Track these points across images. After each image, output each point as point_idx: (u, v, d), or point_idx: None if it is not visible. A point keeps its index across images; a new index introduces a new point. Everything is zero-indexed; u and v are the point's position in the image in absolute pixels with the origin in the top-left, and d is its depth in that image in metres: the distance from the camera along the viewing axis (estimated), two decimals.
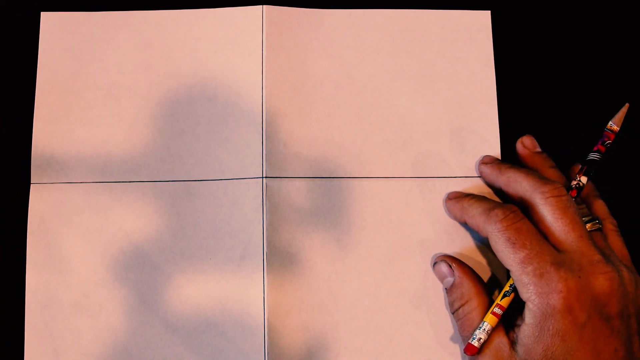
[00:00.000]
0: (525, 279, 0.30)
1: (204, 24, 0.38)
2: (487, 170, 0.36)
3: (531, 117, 0.38)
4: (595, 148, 0.35)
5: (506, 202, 0.35)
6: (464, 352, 0.32)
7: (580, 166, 0.35)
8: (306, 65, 0.37)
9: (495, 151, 0.37)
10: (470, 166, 0.37)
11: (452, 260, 0.35)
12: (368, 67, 0.38)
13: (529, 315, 0.30)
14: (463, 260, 0.35)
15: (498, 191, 0.37)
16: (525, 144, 0.36)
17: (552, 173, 0.35)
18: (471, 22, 0.39)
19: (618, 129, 0.35)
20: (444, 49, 0.38)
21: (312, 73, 0.37)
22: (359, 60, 0.38)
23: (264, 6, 0.38)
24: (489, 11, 0.39)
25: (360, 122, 0.37)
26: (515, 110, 0.38)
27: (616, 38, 0.40)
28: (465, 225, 0.36)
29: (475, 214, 0.33)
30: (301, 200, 0.36)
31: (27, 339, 0.35)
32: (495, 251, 0.32)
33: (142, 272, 0.36)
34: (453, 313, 0.34)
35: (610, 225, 0.35)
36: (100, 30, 0.38)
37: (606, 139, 0.35)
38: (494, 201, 0.34)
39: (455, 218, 0.36)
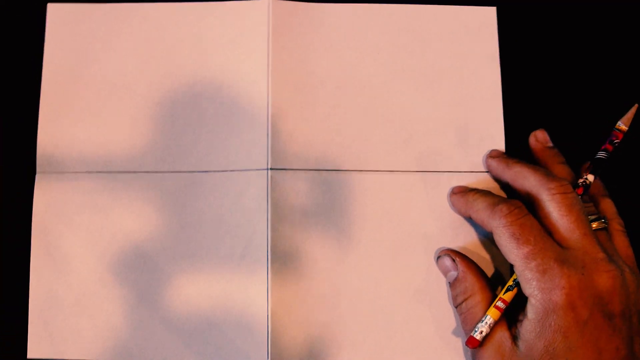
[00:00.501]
0: (528, 274, 0.30)
1: (210, 17, 0.38)
2: (495, 164, 0.36)
3: (536, 113, 0.38)
4: (603, 147, 0.35)
5: (512, 196, 0.35)
6: (466, 345, 0.32)
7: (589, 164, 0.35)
8: (312, 58, 0.38)
9: (500, 147, 0.37)
10: (474, 161, 0.37)
11: (455, 254, 0.35)
12: (373, 62, 0.38)
13: (531, 311, 0.30)
14: (467, 255, 0.35)
15: (504, 186, 0.37)
16: (538, 138, 0.37)
17: (562, 169, 0.35)
18: (476, 18, 0.39)
19: (627, 128, 0.35)
20: (449, 45, 0.38)
21: (318, 66, 0.38)
22: (364, 54, 0.38)
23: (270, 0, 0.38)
24: (495, 7, 0.39)
25: (365, 115, 0.37)
26: (520, 106, 0.38)
27: (623, 35, 0.40)
28: (469, 219, 0.36)
29: (480, 209, 0.33)
30: (305, 192, 0.36)
31: (30, 336, 0.36)
32: (499, 246, 0.32)
33: (146, 263, 0.36)
34: (456, 307, 0.34)
35: (616, 225, 0.34)
36: (106, 22, 0.38)
37: (614, 138, 0.35)
38: (498, 196, 0.34)
39: (459, 212, 0.36)
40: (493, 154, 0.36)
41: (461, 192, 0.36)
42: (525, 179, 0.33)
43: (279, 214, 0.36)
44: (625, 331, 0.30)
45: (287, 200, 0.36)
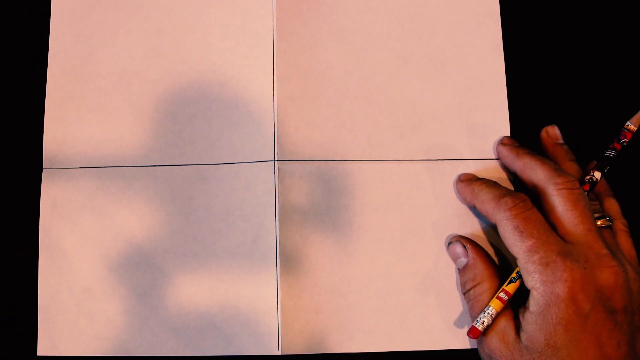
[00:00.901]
0: (530, 267, 0.30)
1: (214, 8, 0.38)
2: (505, 152, 0.36)
3: (541, 100, 0.39)
4: (611, 145, 0.35)
5: (519, 187, 0.35)
6: (467, 335, 0.32)
7: (595, 162, 0.35)
8: (316, 49, 0.38)
9: (505, 134, 0.37)
10: (479, 149, 0.37)
11: (466, 241, 0.35)
12: (378, 51, 0.38)
13: (533, 303, 0.30)
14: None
15: (509, 175, 0.37)
16: (549, 134, 0.37)
17: (570, 166, 0.35)
18: (480, 7, 0.39)
19: (635, 129, 0.35)
20: (453, 34, 0.38)
21: (323, 57, 0.38)
22: (368, 44, 0.38)
23: None
24: None
25: (371, 105, 0.37)
26: (525, 94, 0.38)
27: (634, 27, 0.40)
28: (474, 208, 0.36)
29: (485, 200, 0.33)
30: (313, 183, 0.36)
31: (39, 334, 0.36)
32: (502, 238, 0.32)
33: (154, 256, 0.36)
34: (464, 294, 0.34)
35: (621, 225, 0.34)
36: (111, 15, 0.38)
37: (622, 137, 0.35)
38: (504, 188, 0.34)
39: (465, 201, 0.36)
40: (505, 141, 0.36)
41: (467, 181, 0.36)
42: (533, 171, 0.33)
43: (287, 205, 0.36)
44: (627, 327, 0.30)
45: (294, 191, 0.36)
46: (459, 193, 0.36)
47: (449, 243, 0.36)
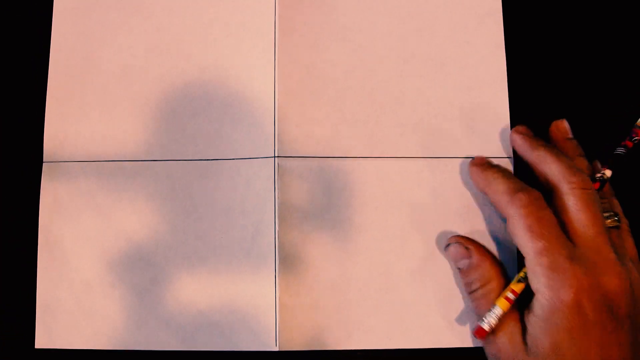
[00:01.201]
0: (538, 269, 0.30)
1: (216, 6, 0.38)
2: (519, 142, 0.35)
3: (541, 99, 0.39)
4: (622, 143, 0.35)
5: (524, 176, 0.34)
6: (473, 335, 0.32)
7: (599, 162, 0.35)
8: (318, 47, 0.38)
9: (505, 132, 0.37)
10: (480, 147, 0.37)
11: (467, 241, 0.34)
12: (379, 50, 0.38)
13: (538, 307, 0.30)
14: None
15: (515, 170, 0.37)
16: (559, 128, 0.36)
17: (580, 162, 0.35)
18: (481, 7, 0.39)
19: None
20: (455, 33, 0.38)
21: (324, 55, 0.38)
22: (369, 42, 0.38)
23: None
24: None
25: (372, 103, 0.37)
26: (526, 93, 0.38)
27: (634, 22, 0.40)
28: (475, 205, 0.36)
29: (498, 191, 0.33)
30: (313, 179, 0.36)
31: (37, 327, 0.36)
32: (512, 235, 0.32)
33: (154, 252, 0.36)
34: (470, 293, 0.34)
35: (623, 225, 0.34)
36: (112, 13, 0.38)
37: (634, 135, 0.35)
38: (519, 181, 0.33)
39: (476, 186, 0.35)
40: (519, 130, 0.36)
41: (482, 165, 0.35)
42: (547, 165, 0.33)
43: (287, 202, 0.36)
44: (631, 333, 0.30)
45: (294, 188, 0.36)
46: (471, 177, 0.36)
47: (447, 245, 0.35)
